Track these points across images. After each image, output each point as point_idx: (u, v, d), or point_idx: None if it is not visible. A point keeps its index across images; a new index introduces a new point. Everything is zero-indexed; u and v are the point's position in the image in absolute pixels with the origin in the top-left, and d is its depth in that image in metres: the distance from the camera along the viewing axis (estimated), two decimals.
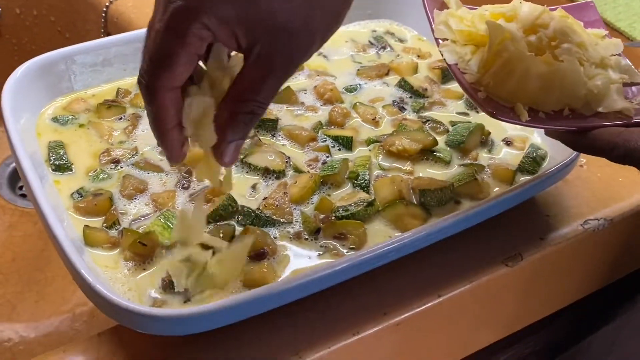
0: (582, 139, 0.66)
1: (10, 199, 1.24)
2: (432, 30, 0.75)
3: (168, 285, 0.68)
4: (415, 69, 0.98)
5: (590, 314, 1.04)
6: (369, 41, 1.04)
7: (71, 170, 0.80)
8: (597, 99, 0.69)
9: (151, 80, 0.54)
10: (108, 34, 1.19)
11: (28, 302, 1.07)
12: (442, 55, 0.73)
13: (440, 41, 0.75)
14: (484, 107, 0.69)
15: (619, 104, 0.69)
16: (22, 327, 1.04)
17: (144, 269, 0.70)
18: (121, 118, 0.87)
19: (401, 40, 1.05)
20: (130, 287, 0.68)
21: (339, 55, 1.01)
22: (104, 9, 1.18)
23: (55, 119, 0.86)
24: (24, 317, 1.05)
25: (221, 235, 0.72)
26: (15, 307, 1.05)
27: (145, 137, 0.85)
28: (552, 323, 0.97)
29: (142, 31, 0.93)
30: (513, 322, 0.90)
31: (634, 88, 0.72)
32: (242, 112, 0.57)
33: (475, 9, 0.77)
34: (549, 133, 0.72)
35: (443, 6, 0.77)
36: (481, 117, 0.92)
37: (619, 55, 0.73)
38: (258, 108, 0.56)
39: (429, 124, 0.89)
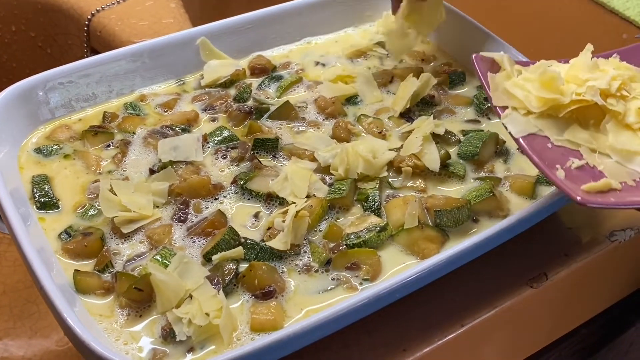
0: None
1: None
2: (490, 97, 0.70)
3: (169, 334, 0.62)
4: (419, 74, 0.92)
5: (616, 318, 0.99)
6: (370, 46, 0.98)
7: (58, 207, 0.74)
8: None
9: None
10: (92, 49, 1.12)
11: (21, 339, 1.01)
12: (505, 128, 0.68)
13: (500, 110, 0.69)
14: (569, 192, 0.62)
15: None
16: None
17: (141, 316, 0.64)
18: (109, 145, 0.81)
19: None
20: (126, 341, 0.62)
21: (339, 63, 0.95)
22: (86, 22, 1.11)
23: (38, 150, 0.79)
24: (17, 354, 0.99)
25: (225, 272, 0.67)
26: (7, 344, 0.99)
27: (136, 165, 0.79)
28: (579, 331, 0.92)
29: (127, 48, 0.88)
30: (540, 340, 0.85)
31: None
32: None
33: (528, 64, 0.72)
34: None
35: (495, 66, 0.71)
36: (494, 125, 0.86)
37: None
38: None
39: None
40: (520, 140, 0.68)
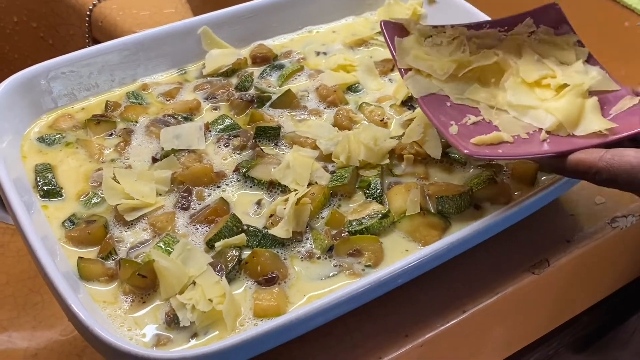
0: (563, 164, 0.63)
1: (0, 217, 1.18)
2: (395, 60, 0.72)
3: (173, 320, 0.62)
4: None
5: (619, 306, 1.00)
6: (371, 35, 0.98)
7: (61, 195, 0.74)
8: (572, 122, 0.65)
9: None
10: (93, 39, 1.12)
11: (25, 329, 1.01)
12: (407, 87, 0.71)
13: (404, 72, 0.71)
14: (458, 145, 0.65)
15: (594, 124, 0.65)
16: (19, 356, 0.98)
17: (145, 302, 0.65)
18: (111, 134, 0.81)
19: None
20: (129, 327, 0.62)
21: (340, 52, 0.95)
22: (88, 12, 1.11)
23: (41, 139, 0.80)
24: (21, 345, 1.00)
25: (228, 259, 0.67)
26: (11, 335, 1.00)
27: (139, 153, 0.79)
28: (581, 319, 0.92)
29: (128, 37, 0.88)
30: (541, 327, 0.85)
31: (610, 96, 0.68)
32: None
33: (437, 27, 0.75)
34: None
35: (404, 31, 0.74)
36: None
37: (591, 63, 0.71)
38: None
39: None
40: (419, 99, 0.69)
